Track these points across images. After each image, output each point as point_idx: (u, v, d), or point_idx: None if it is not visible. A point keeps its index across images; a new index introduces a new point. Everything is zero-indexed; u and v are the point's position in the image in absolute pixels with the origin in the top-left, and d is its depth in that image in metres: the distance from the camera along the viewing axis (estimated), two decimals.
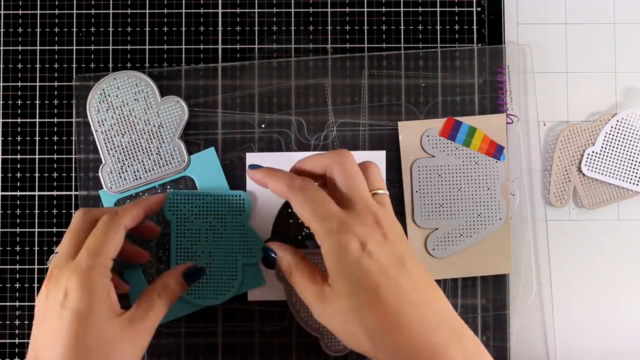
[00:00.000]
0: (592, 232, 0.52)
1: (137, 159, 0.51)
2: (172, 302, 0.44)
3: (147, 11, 0.53)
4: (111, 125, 0.51)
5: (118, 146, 0.51)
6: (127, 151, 0.51)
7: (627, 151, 0.52)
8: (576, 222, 0.53)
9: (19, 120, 0.53)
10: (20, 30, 0.53)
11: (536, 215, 0.52)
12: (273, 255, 0.43)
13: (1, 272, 0.52)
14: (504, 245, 0.51)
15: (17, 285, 0.52)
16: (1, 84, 0.53)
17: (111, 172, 0.51)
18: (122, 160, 0.51)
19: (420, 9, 0.53)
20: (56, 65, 0.53)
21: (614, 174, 0.52)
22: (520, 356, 0.51)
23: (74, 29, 0.53)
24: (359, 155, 0.51)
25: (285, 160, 0.50)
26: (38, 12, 0.53)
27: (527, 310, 0.51)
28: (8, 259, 0.52)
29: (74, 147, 0.52)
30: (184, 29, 0.53)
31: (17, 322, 0.52)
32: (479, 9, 0.53)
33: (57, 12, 0.53)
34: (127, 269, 0.49)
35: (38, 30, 0.53)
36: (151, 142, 0.51)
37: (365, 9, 0.53)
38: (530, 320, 0.51)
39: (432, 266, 0.51)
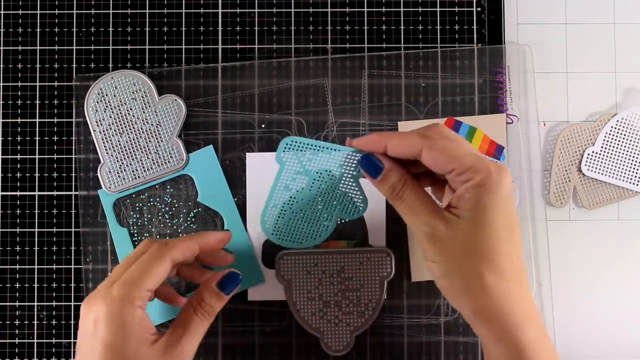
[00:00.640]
0: (592, 232, 0.52)
1: (136, 158, 0.51)
2: (211, 318, 0.41)
3: (147, 11, 0.53)
4: (109, 125, 0.51)
5: (116, 145, 0.51)
6: (125, 150, 0.51)
7: (627, 151, 0.52)
8: (576, 222, 0.53)
9: (19, 120, 0.53)
10: (20, 30, 0.53)
11: (536, 215, 0.52)
12: (379, 164, 0.40)
13: (1, 272, 0.52)
14: None
15: (17, 285, 0.52)
16: (1, 84, 0.53)
17: (110, 172, 0.51)
18: (121, 160, 0.51)
19: (420, 9, 0.53)
20: (56, 65, 0.53)
21: (614, 174, 0.52)
22: None
23: (74, 29, 0.53)
24: None
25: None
26: (38, 12, 0.53)
27: None
28: (8, 259, 0.52)
29: (73, 147, 0.52)
30: (184, 29, 0.53)
31: (17, 322, 0.52)
32: (479, 9, 0.53)
33: (57, 12, 0.53)
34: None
35: (38, 30, 0.53)
36: (149, 141, 0.51)
37: (365, 9, 0.53)
38: None
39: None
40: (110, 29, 0.53)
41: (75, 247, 0.52)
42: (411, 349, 0.51)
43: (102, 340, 0.37)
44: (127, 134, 0.51)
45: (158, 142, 0.51)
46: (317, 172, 0.43)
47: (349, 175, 0.43)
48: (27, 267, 0.52)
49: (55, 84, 0.53)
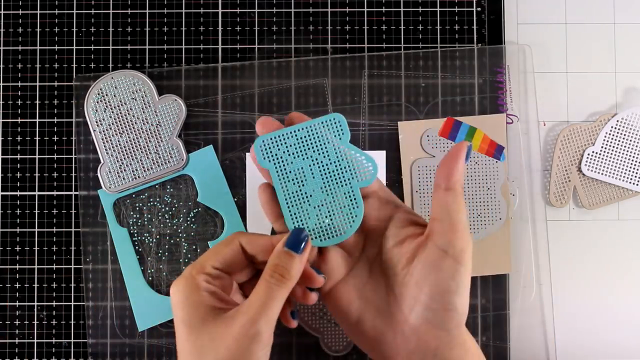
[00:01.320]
0: (592, 232, 0.52)
1: (136, 158, 0.51)
2: (288, 281, 0.38)
3: (147, 11, 0.53)
4: (109, 125, 0.51)
5: (116, 145, 0.51)
6: (125, 150, 0.51)
7: (627, 151, 0.52)
8: (576, 222, 0.53)
9: (19, 120, 0.53)
10: (20, 30, 0.53)
11: (536, 215, 0.52)
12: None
13: (1, 272, 0.52)
14: (504, 245, 0.51)
15: (17, 285, 0.52)
16: (1, 84, 0.53)
17: (110, 172, 0.51)
18: (121, 160, 0.51)
19: (420, 9, 0.53)
20: (56, 65, 0.53)
21: (614, 174, 0.52)
22: (520, 356, 0.51)
23: (74, 29, 0.53)
24: None
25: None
26: (38, 12, 0.53)
27: (527, 310, 0.51)
28: (8, 259, 0.52)
29: (73, 147, 0.52)
30: (184, 29, 0.53)
31: (17, 322, 0.52)
32: (479, 9, 0.53)
33: (57, 12, 0.53)
34: None
35: (38, 30, 0.53)
36: (149, 140, 0.51)
37: (365, 9, 0.53)
38: (530, 320, 0.51)
39: None
40: (110, 29, 0.53)
41: (75, 247, 0.52)
42: None
43: (179, 318, 0.38)
44: (127, 134, 0.51)
45: (158, 142, 0.51)
46: (308, 156, 0.42)
47: (338, 142, 0.42)
48: (27, 267, 0.52)
49: (55, 84, 0.53)
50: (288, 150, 0.42)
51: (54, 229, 0.52)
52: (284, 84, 0.52)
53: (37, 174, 0.52)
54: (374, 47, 0.53)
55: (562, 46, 0.53)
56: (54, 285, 0.52)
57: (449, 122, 0.52)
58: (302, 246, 0.39)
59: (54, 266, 0.52)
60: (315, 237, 0.41)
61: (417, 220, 0.40)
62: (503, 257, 0.51)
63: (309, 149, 0.42)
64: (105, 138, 0.51)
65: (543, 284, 0.52)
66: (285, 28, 0.53)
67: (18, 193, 0.52)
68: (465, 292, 0.38)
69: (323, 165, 0.42)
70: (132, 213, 0.51)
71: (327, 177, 0.42)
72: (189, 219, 0.51)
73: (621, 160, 0.52)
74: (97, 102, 0.51)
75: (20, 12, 0.53)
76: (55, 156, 0.52)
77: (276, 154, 0.42)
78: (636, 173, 0.52)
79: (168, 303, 0.51)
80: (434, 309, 0.37)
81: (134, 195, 0.51)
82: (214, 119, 0.52)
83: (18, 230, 0.52)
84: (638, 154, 0.52)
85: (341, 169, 0.42)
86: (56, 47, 0.53)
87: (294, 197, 0.42)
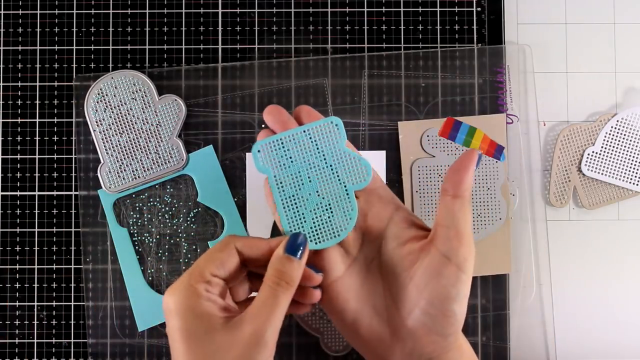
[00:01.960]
0: (592, 232, 0.52)
1: (136, 158, 0.51)
2: (289, 286, 0.38)
3: (147, 11, 0.53)
4: (109, 125, 0.51)
5: (116, 145, 0.51)
6: (125, 150, 0.51)
7: (627, 151, 0.52)
8: (576, 222, 0.53)
9: (19, 120, 0.53)
10: (20, 30, 0.53)
11: (536, 215, 0.52)
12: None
13: (1, 272, 0.52)
14: (504, 245, 0.51)
15: (17, 285, 0.52)
16: (1, 84, 0.53)
17: (110, 172, 0.51)
18: (121, 160, 0.51)
19: (420, 9, 0.53)
20: (56, 65, 0.53)
21: (614, 174, 0.52)
22: (520, 356, 0.51)
23: (74, 29, 0.53)
24: None
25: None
26: (38, 12, 0.53)
27: (527, 310, 0.51)
28: (8, 259, 0.52)
29: (73, 147, 0.52)
30: (184, 29, 0.53)
31: (17, 322, 0.52)
32: (479, 9, 0.53)
33: (57, 12, 0.53)
34: None
35: (38, 30, 0.53)
36: (149, 140, 0.51)
37: (365, 9, 0.53)
38: (530, 320, 0.51)
39: None
40: (110, 29, 0.53)
41: (75, 247, 0.52)
42: None
43: (176, 328, 0.37)
44: (127, 134, 0.51)
45: (158, 142, 0.51)
46: (305, 160, 0.42)
47: (334, 145, 0.42)
48: (27, 267, 0.52)
49: (55, 84, 0.53)
50: (285, 155, 0.42)
51: (54, 229, 0.52)
52: (284, 84, 0.52)
53: (37, 174, 0.52)
54: (374, 47, 0.53)
55: (562, 46, 0.53)
56: (54, 285, 0.52)
57: (449, 122, 0.52)
58: (300, 250, 0.39)
59: (54, 266, 0.52)
60: (311, 240, 0.41)
61: (417, 222, 0.40)
62: (503, 257, 0.51)
63: (306, 152, 0.42)
64: (105, 138, 0.51)
65: (543, 284, 0.52)
66: (285, 28, 0.53)
67: (18, 193, 0.52)
68: (464, 300, 0.38)
69: (320, 169, 0.42)
70: (132, 213, 0.51)
71: (323, 181, 0.42)
72: (189, 219, 0.51)
73: (621, 160, 0.52)
74: (97, 102, 0.51)
75: (20, 12, 0.53)
76: (55, 156, 0.52)
77: (274, 159, 0.42)
78: (636, 173, 0.52)
79: None
80: (432, 315, 0.37)
81: (134, 195, 0.51)
82: (214, 119, 0.52)
83: (18, 230, 0.52)
84: (638, 154, 0.52)
85: (337, 172, 0.42)
86: (56, 47, 0.53)
87: (290, 200, 0.42)
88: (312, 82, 0.52)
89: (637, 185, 0.52)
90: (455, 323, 0.37)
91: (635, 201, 0.52)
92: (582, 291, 0.52)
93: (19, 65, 0.53)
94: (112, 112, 0.51)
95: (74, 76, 0.52)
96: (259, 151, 0.41)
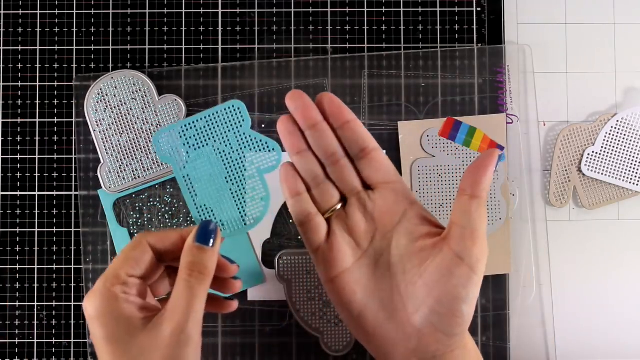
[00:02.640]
0: (592, 232, 0.52)
1: (136, 158, 0.51)
2: (204, 276, 0.38)
3: (147, 11, 0.53)
4: (109, 125, 0.51)
5: (116, 145, 0.51)
6: (125, 150, 0.51)
7: (627, 151, 0.52)
8: (576, 222, 0.53)
9: (19, 120, 0.53)
10: (20, 30, 0.53)
11: (536, 215, 0.52)
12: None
13: (1, 272, 0.52)
14: (504, 245, 0.51)
15: (17, 285, 0.52)
16: (1, 84, 0.53)
17: (109, 172, 0.51)
18: (121, 160, 0.51)
19: (420, 9, 0.53)
20: (56, 65, 0.53)
21: (614, 174, 0.52)
22: (520, 356, 0.51)
23: (74, 29, 0.53)
24: None
25: (285, 160, 0.50)
26: (38, 12, 0.53)
27: (527, 310, 0.51)
28: (8, 259, 0.52)
29: (73, 147, 0.52)
30: (184, 29, 0.53)
31: (17, 322, 0.52)
32: (479, 9, 0.53)
33: (57, 12, 0.53)
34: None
35: (38, 30, 0.53)
36: (149, 140, 0.51)
37: (365, 9, 0.53)
38: (530, 320, 0.51)
39: None
40: (110, 29, 0.53)
41: (75, 247, 0.52)
42: None
43: (99, 335, 0.36)
44: (127, 134, 0.51)
45: None
46: (209, 146, 0.41)
47: (238, 129, 0.41)
48: (27, 267, 0.52)
49: (55, 84, 0.53)
50: (188, 142, 0.41)
51: (54, 229, 0.52)
52: (284, 84, 0.52)
53: (37, 174, 0.52)
54: (374, 47, 0.53)
55: (562, 46, 0.53)
56: (54, 285, 0.52)
57: (449, 122, 0.52)
58: (212, 238, 0.39)
59: (54, 266, 0.52)
60: (225, 228, 0.40)
61: (431, 219, 0.40)
62: (503, 257, 0.51)
63: (209, 138, 0.41)
64: (105, 138, 0.51)
65: (543, 284, 0.52)
66: (285, 28, 0.53)
67: (18, 193, 0.52)
68: (474, 301, 0.37)
69: (225, 154, 0.41)
70: (132, 213, 0.51)
71: (230, 166, 0.41)
72: (189, 219, 0.51)
73: (621, 160, 0.52)
74: (97, 102, 0.51)
75: (20, 12, 0.53)
76: (55, 156, 0.52)
77: (176, 147, 0.41)
78: (636, 173, 0.52)
79: None
80: (440, 313, 0.37)
81: (134, 195, 0.51)
82: None
83: (18, 230, 0.52)
84: (638, 154, 0.52)
85: (244, 156, 0.41)
86: (56, 47, 0.53)
87: (197, 187, 0.41)
88: (312, 82, 0.52)
89: (637, 185, 0.52)
90: (462, 323, 0.37)
91: (635, 201, 0.52)
92: (582, 291, 0.52)
93: (19, 65, 0.53)
94: (112, 112, 0.51)
95: (74, 76, 0.52)
96: (159, 141, 0.40)
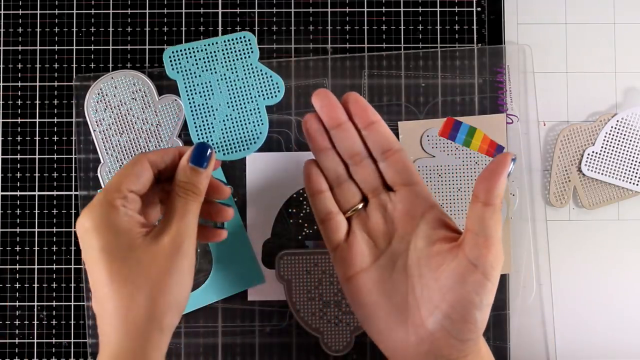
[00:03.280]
0: (592, 232, 0.52)
1: None
2: (197, 195, 0.39)
3: (147, 11, 0.53)
4: (109, 125, 0.51)
5: (116, 145, 0.51)
6: (125, 150, 0.51)
7: (627, 151, 0.52)
8: (576, 222, 0.53)
9: (19, 120, 0.53)
10: (20, 30, 0.53)
11: (536, 215, 0.52)
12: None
13: (1, 272, 0.52)
14: (504, 245, 0.51)
15: (17, 285, 0.52)
16: (1, 84, 0.53)
17: (110, 172, 0.51)
18: (121, 160, 0.51)
19: (420, 9, 0.53)
20: (56, 65, 0.53)
21: (614, 174, 0.52)
22: (520, 356, 0.51)
23: (74, 29, 0.53)
24: None
25: (286, 160, 0.50)
26: (38, 12, 0.53)
27: (527, 310, 0.51)
28: (8, 259, 0.52)
29: (74, 147, 0.52)
30: (184, 29, 0.53)
31: (17, 322, 0.52)
32: (479, 9, 0.53)
33: (57, 12, 0.53)
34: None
35: (38, 30, 0.53)
36: (149, 141, 0.51)
37: (365, 9, 0.53)
38: (530, 320, 0.51)
39: None
40: (110, 29, 0.53)
41: (75, 247, 0.52)
42: None
43: (96, 247, 0.37)
44: (127, 134, 0.51)
45: (158, 142, 0.51)
46: (216, 71, 0.42)
47: (246, 59, 0.41)
48: (27, 267, 0.52)
49: (55, 84, 0.53)
50: (197, 64, 0.42)
51: (54, 229, 0.52)
52: (284, 84, 0.52)
53: (37, 174, 0.52)
54: (374, 47, 0.53)
55: (562, 46, 0.53)
56: (54, 285, 0.52)
57: (449, 122, 0.52)
58: (206, 161, 0.40)
59: (54, 266, 0.52)
60: (219, 150, 0.41)
61: (449, 223, 0.40)
62: (503, 257, 0.51)
63: (217, 63, 0.42)
64: (105, 138, 0.51)
65: (543, 284, 0.52)
66: (285, 28, 0.53)
67: (18, 193, 0.52)
68: (487, 308, 0.37)
69: (230, 81, 0.42)
70: None
71: (233, 93, 0.42)
72: None
73: (621, 160, 0.52)
74: (97, 102, 0.51)
75: (20, 12, 0.53)
76: (55, 156, 0.52)
77: (185, 66, 0.42)
78: (636, 173, 0.52)
79: None
80: (453, 319, 0.37)
81: None
82: None
83: (18, 230, 0.52)
84: (638, 154, 0.52)
85: (248, 86, 0.42)
86: (56, 47, 0.53)
87: (199, 109, 0.42)
88: (312, 82, 0.52)
89: (637, 185, 0.52)
90: (475, 330, 0.37)
91: (635, 201, 0.52)
92: (582, 291, 0.52)
93: (19, 65, 0.53)
94: (112, 112, 0.51)
95: (74, 76, 0.52)
96: (170, 56, 0.41)
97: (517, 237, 0.51)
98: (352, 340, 0.50)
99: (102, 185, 0.51)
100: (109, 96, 0.51)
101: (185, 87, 0.42)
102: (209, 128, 0.42)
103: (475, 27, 0.53)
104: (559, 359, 0.52)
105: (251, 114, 0.43)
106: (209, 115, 0.42)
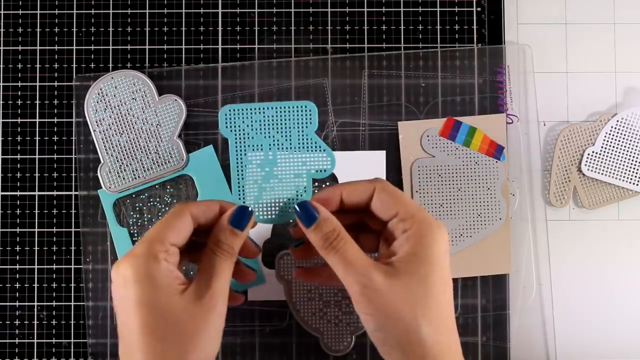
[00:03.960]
0: (592, 232, 0.52)
1: (136, 158, 0.51)
2: (232, 257, 0.40)
3: (147, 11, 0.53)
4: (109, 125, 0.51)
5: (116, 145, 0.51)
6: (125, 150, 0.51)
7: (627, 151, 0.52)
8: (576, 222, 0.53)
9: (19, 120, 0.53)
10: (20, 30, 0.53)
11: (536, 215, 0.52)
12: (314, 213, 0.40)
13: (1, 272, 0.52)
14: (504, 245, 0.51)
15: (17, 285, 0.52)
16: (1, 84, 0.53)
17: (110, 172, 0.51)
18: (121, 160, 0.51)
19: (420, 9, 0.53)
20: (56, 65, 0.53)
21: (614, 174, 0.52)
22: (520, 356, 0.51)
23: (74, 29, 0.53)
24: (359, 155, 0.51)
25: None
26: (38, 12, 0.53)
27: (527, 310, 0.51)
28: (8, 259, 0.52)
29: (74, 147, 0.52)
30: (184, 29, 0.53)
31: (17, 322, 0.52)
32: (479, 9, 0.53)
33: (57, 12, 0.53)
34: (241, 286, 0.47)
35: (38, 30, 0.53)
36: (149, 141, 0.51)
37: (365, 9, 0.53)
38: (530, 320, 0.51)
39: None
40: (110, 29, 0.53)
41: (75, 247, 0.52)
42: None
43: (133, 299, 0.36)
44: (127, 134, 0.51)
45: (158, 142, 0.51)
46: (270, 135, 0.41)
47: (303, 129, 0.41)
48: (27, 267, 0.52)
49: (55, 84, 0.53)
50: (252, 125, 0.42)
51: (54, 229, 0.52)
52: (284, 84, 0.52)
53: (37, 174, 0.52)
54: (374, 47, 0.53)
55: (562, 46, 0.53)
56: (54, 285, 0.52)
57: (449, 122, 0.52)
58: (245, 222, 0.40)
59: (54, 266, 0.52)
60: (257, 212, 0.41)
61: None
62: (503, 257, 0.51)
63: (273, 128, 0.41)
64: (105, 138, 0.51)
65: (543, 284, 0.52)
66: (285, 28, 0.53)
67: (18, 193, 0.52)
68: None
69: (283, 148, 0.42)
70: (132, 213, 0.51)
71: (283, 160, 0.42)
72: None
73: (621, 160, 0.52)
74: (97, 102, 0.51)
75: (20, 12, 0.53)
76: (55, 156, 0.52)
77: (239, 126, 0.41)
78: (636, 173, 0.52)
79: None
80: None
81: (134, 195, 0.51)
82: (214, 119, 0.52)
83: (18, 230, 0.52)
84: (638, 154, 0.52)
85: (299, 155, 0.41)
86: (56, 47, 0.53)
87: (246, 170, 0.42)
88: (312, 82, 0.52)
89: (637, 185, 0.52)
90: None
91: (635, 201, 0.52)
92: (582, 291, 0.52)
93: (19, 65, 0.53)
94: (112, 112, 0.51)
95: (74, 76, 0.52)
96: (226, 114, 0.41)
97: (517, 237, 0.51)
98: (352, 340, 0.50)
99: (102, 186, 0.51)
100: (109, 96, 0.51)
101: (236, 146, 0.42)
102: (251, 189, 0.42)
103: (475, 27, 0.53)
104: (559, 359, 0.52)
105: (296, 183, 0.42)
106: (254, 178, 0.42)
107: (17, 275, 0.52)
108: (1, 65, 0.53)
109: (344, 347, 0.50)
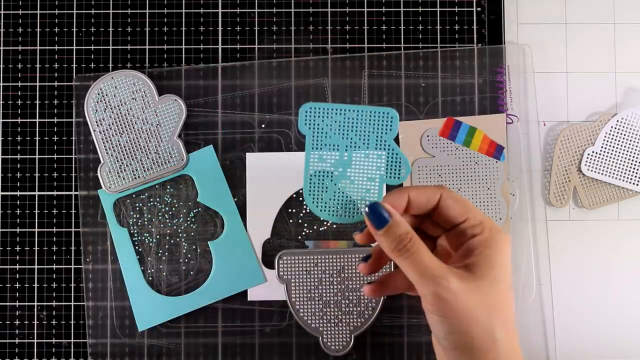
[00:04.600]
0: (592, 232, 0.52)
1: (136, 158, 0.51)
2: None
3: (147, 11, 0.53)
4: (109, 125, 0.51)
5: (116, 145, 0.51)
6: (125, 150, 0.51)
7: (627, 151, 0.52)
8: (576, 222, 0.53)
9: (19, 120, 0.53)
10: (20, 30, 0.53)
11: (536, 215, 0.52)
12: (386, 215, 0.39)
13: (1, 272, 0.52)
14: None
15: (17, 285, 0.52)
16: (1, 84, 0.53)
17: (110, 172, 0.51)
18: (121, 160, 0.51)
19: (420, 9, 0.53)
20: (56, 65, 0.53)
21: (614, 174, 0.52)
22: None
23: (74, 29, 0.53)
24: None
25: (285, 160, 0.50)
26: (38, 12, 0.53)
27: (527, 310, 0.51)
28: (8, 259, 0.52)
29: (74, 147, 0.52)
30: (184, 29, 0.53)
31: (17, 322, 0.52)
32: (479, 9, 0.53)
33: (57, 12, 0.53)
34: None
35: (38, 30, 0.53)
36: (149, 141, 0.51)
37: (365, 9, 0.53)
38: (530, 320, 0.51)
39: None
40: (110, 29, 0.53)
41: (75, 247, 0.52)
42: (411, 349, 0.51)
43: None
44: (127, 134, 0.51)
45: (158, 142, 0.51)
46: (347, 137, 0.42)
47: (382, 135, 0.42)
48: (27, 267, 0.52)
49: (55, 84, 0.53)
50: (331, 125, 0.42)
51: (54, 229, 0.52)
52: (284, 84, 0.52)
53: (37, 174, 0.52)
54: (374, 47, 0.53)
55: (562, 46, 0.53)
56: (54, 285, 0.52)
57: (449, 122, 0.52)
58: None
59: (54, 266, 0.52)
60: (323, 210, 0.41)
61: None
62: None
63: (351, 131, 0.42)
64: (105, 138, 0.51)
65: (543, 283, 0.52)
66: (285, 28, 0.53)
67: (18, 193, 0.52)
68: None
69: (359, 152, 0.42)
70: (132, 213, 0.51)
71: (357, 163, 0.42)
72: (189, 219, 0.51)
73: (621, 160, 0.52)
74: (97, 102, 0.51)
75: (20, 12, 0.53)
76: (55, 156, 0.52)
77: (318, 124, 0.42)
78: (636, 173, 0.52)
79: (168, 303, 0.51)
80: None
81: (134, 195, 0.51)
82: (214, 119, 0.52)
83: (18, 230, 0.52)
84: (638, 154, 0.52)
85: (375, 161, 0.42)
86: (56, 47, 0.53)
87: (319, 168, 0.42)
88: (312, 82, 0.52)
89: (637, 185, 0.52)
90: None
91: (635, 201, 0.52)
92: (582, 291, 0.52)
93: (19, 65, 0.53)
94: (112, 112, 0.51)
95: (74, 76, 0.52)
96: (307, 111, 0.41)
97: (517, 237, 0.51)
98: (352, 340, 0.50)
99: (102, 186, 0.51)
100: (109, 96, 0.51)
101: (313, 144, 0.42)
102: (321, 187, 0.42)
103: (475, 27, 0.53)
104: (559, 359, 0.52)
105: (367, 187, 0.43)
106: (326, 177, 0.42)
107: (17, 275, 0.52)
108: (1, 65, 0.53)
109: (343, 347, 0.50)
